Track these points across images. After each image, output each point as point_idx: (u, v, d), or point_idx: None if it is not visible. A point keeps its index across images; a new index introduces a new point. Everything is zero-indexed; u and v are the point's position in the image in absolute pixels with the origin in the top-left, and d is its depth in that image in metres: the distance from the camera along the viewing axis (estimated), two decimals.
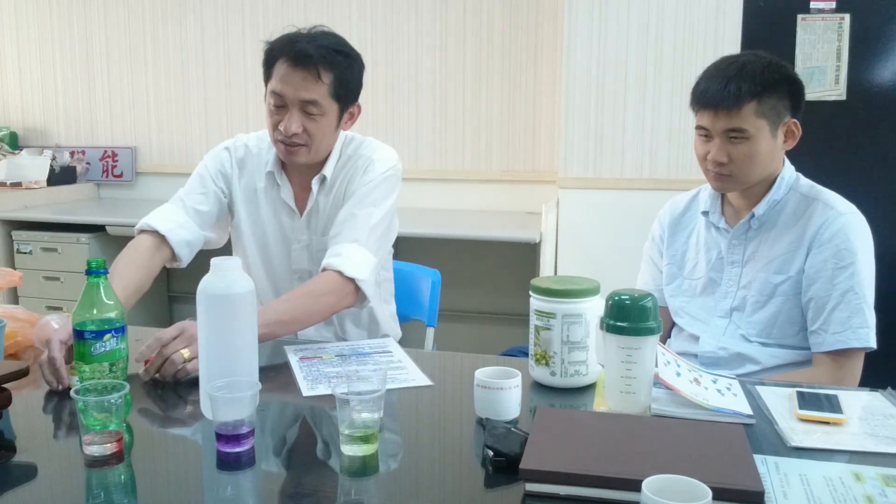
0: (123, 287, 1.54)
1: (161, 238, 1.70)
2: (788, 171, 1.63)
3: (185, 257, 1.75)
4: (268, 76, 1.68)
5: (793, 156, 1.64)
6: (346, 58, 1.67)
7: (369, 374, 1.35)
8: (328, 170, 1.75)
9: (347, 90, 1.68)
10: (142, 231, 1.71)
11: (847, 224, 1.54)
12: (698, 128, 1.60)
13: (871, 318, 1.52)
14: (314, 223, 1.79)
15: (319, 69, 1.61)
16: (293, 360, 1.47)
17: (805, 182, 1.64)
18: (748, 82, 1.51)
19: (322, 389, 1.31)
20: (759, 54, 1.57)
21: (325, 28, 1.70)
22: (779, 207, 1.61)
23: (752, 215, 1.61)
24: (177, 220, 1.73)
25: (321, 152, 1.72)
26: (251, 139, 1.84)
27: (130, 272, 1.62)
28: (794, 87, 1.56)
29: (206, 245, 1.81)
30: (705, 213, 1.71)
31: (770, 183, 1.61)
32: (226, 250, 1.64)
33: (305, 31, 1.67)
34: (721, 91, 1.52)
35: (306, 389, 1.31)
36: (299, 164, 1.72)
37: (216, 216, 1.80)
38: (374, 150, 1.78)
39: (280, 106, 1.65)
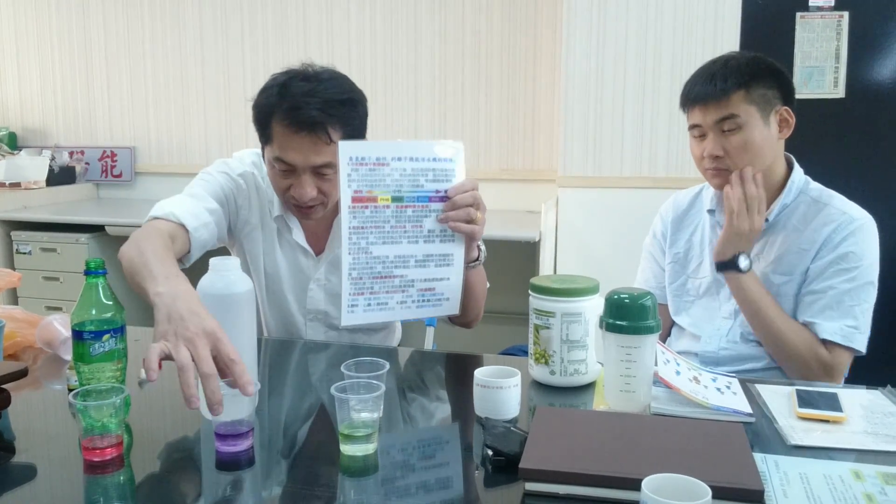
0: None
1: (182, 232, 1.47)
2: (798, 175, 1.62)
3: (192, 260, 1.55)
4: (265, 137, 1.50)
5: (791, 154, 1.64)
6: (352, 106, 1.48)
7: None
8: None
9: (358, 136, 1.51)
10: (158, 219, 1.47)
11: (858, 230, 1.53)
12: (691, 128, 1.60)
13: (863, 322, 1.51)
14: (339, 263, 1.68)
15: (329, 130, 1.43)
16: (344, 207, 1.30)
17: (815, 186, 1.63)
18: (734, 75, 1.53)
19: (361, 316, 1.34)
20: (742, 52, 1.60)
21: (315, 67, 1.50)
22: (788, 211, 1.60)
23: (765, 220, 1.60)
24: (202, 219, 1.52)
25: (335, 202, 1.56)
26: (261, 173, 1.66)
27: (167, 253, 1.31)
28: (780, 77, 1.57)
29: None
30: (711, 212, 1.70)
31: (777, 187, 1.60)
32: (223, 250, 1.62)
33: (298, 78, 1.46)
34: (707, 85, 1.54)
35: (346, 313, 1.33)
36: (315, 219, 1.60)
37: (219, 233, 1.62)
38: None
39: (288, 171, 1.48)
